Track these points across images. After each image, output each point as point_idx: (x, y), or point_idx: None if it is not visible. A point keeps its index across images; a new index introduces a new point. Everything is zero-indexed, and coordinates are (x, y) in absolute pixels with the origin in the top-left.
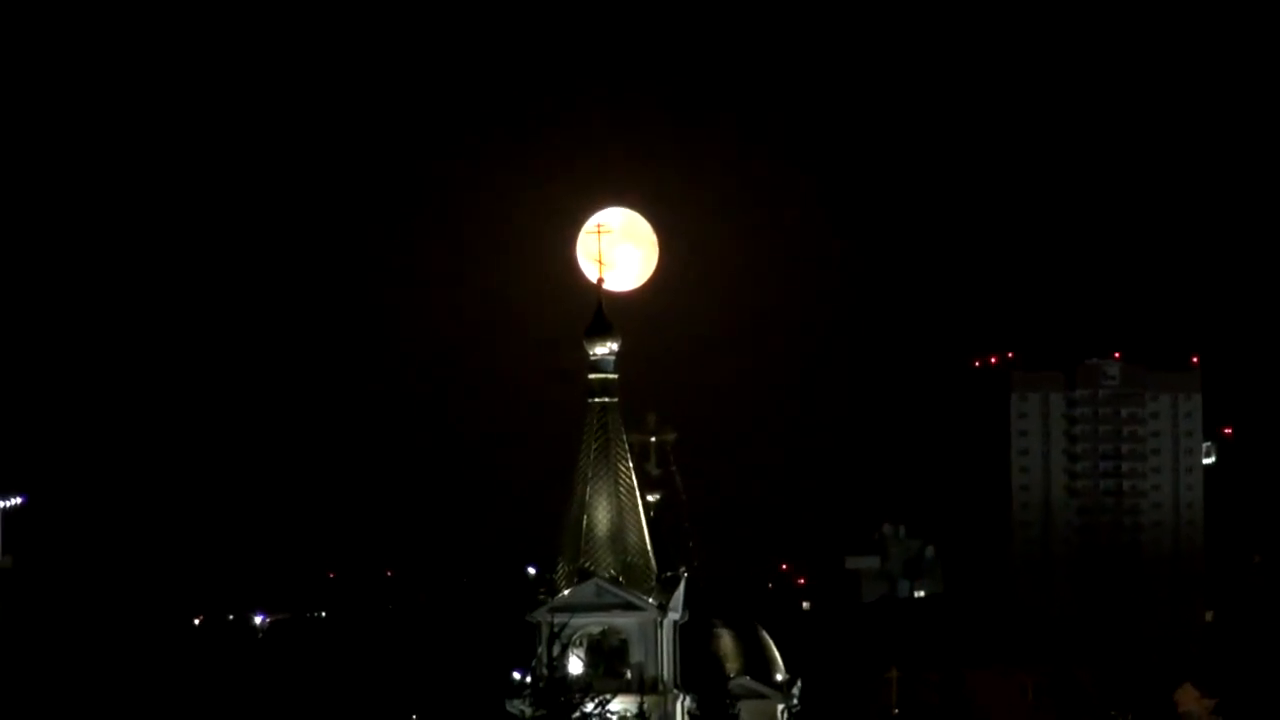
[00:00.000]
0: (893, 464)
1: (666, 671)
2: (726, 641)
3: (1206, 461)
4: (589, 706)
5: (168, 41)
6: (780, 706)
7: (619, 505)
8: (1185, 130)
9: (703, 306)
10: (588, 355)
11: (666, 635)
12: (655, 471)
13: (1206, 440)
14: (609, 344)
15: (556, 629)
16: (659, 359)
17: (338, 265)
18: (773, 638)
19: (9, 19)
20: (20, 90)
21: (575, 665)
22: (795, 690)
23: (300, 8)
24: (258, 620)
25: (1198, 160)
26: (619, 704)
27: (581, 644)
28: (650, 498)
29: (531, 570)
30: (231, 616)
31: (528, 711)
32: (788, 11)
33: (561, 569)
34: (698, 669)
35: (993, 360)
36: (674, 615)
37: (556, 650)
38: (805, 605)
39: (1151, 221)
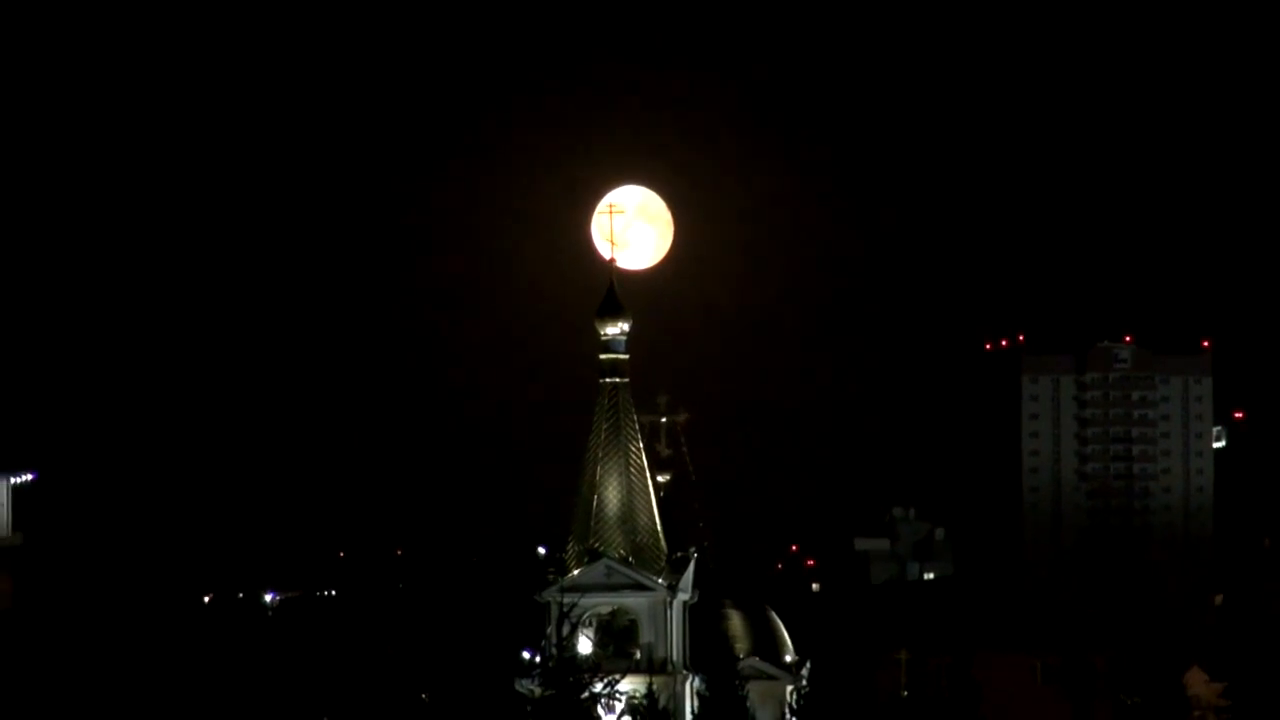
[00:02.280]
0: (903, 446)
1: (676, 652)
2: (736, 622)
3: (1217, 445)
4: (598, 686)
5: (178, 38)
6: (789, 687)
7: (629, 486)
8: (1197, 115)
9: (715, 287)
10: (599, 335)
11: (676, 616)
12: (666, 452)
13: (1217, 424)
14: (620, 324)
15: (566, 609)
16: (671, 339)
17: (348, 244)
18: (782, 619)
19: (9, 19)
20: (36, 91)
21: (584, 645)
22: (804, 671)
23: None
24: (268, 598)
25: (1210, 145)
26: (628, 684)
27: (591, 624)
28: (661, 478)
29: (542, 550)
30: (241, 594)
31: (537, 691)
32: None
33: (571, 549)
34: (707, 650)
35: (1004, 343)
36: (683, 596)
37: (566, 630)
38: (815, 587)
39: (1163, 205)
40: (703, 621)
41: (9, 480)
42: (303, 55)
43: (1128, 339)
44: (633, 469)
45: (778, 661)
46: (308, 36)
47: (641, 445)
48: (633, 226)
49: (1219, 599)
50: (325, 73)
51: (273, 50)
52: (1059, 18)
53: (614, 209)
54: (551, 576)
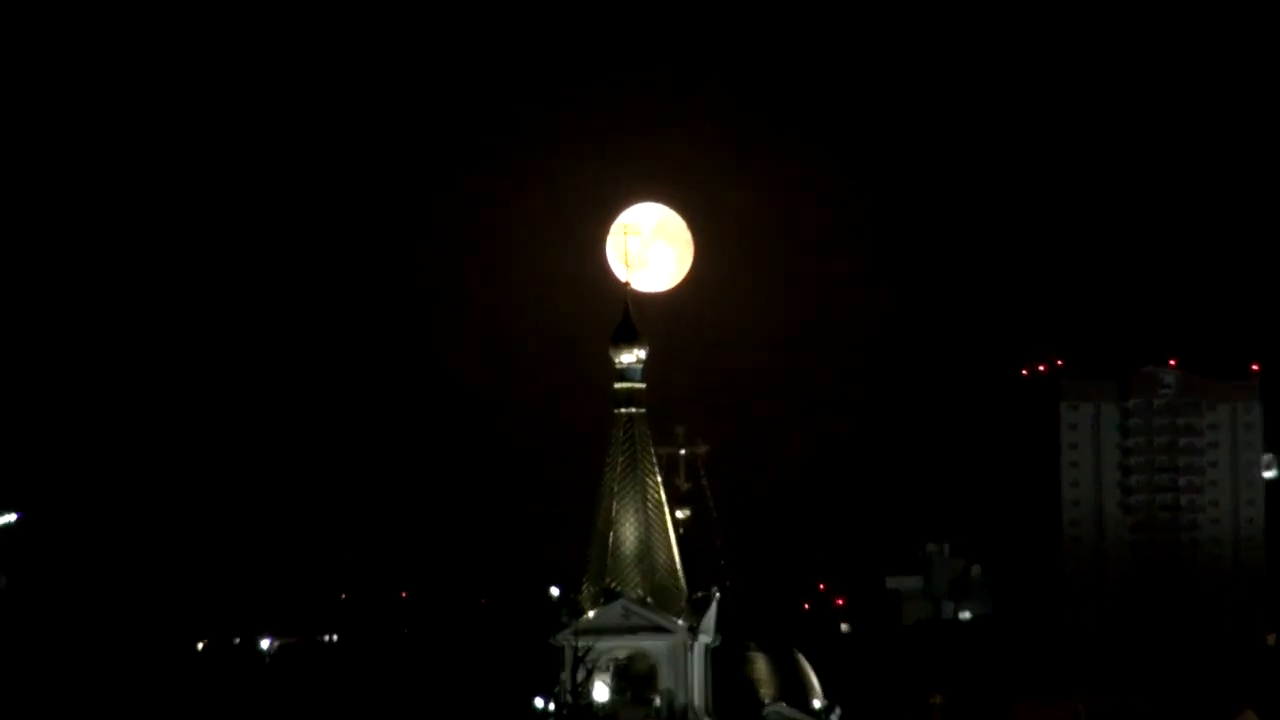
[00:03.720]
0: (937, 478)
1: (697, 698)
2: (761, 666)
3: (1268, 474)
4: None
5: (190, 39)
6: None
7: (647, 522)
8: (1245, 134)
9: (738, 312)
10: (614, 363)
11: (697, 660)
12: (685, 486)
13: (1267, 452)
14: (636, 351)
15: (581, 653)
16: (691, 366)
17: (353, 267)
18: (810, 662)
19: (9, 19)
20: (38, 99)
21: (601, 691)
22: (834, 718)
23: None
24: (265, 644)
25: (1259, 164)
26: None
27: (608, 669)
28: (680, 514)
29: (555, 591)
30: (237, 640)
31: None
32: (831, 7)
33: (586, 589)
34: (730, 696)
35: (1042, 368)
36: (705, 638)
37: (581, 675)
38: (844, 627)
39: (1210, 225)
40: (726, 665)
41: None
42: (318, 71)
43: (1173, 363)
44: (650, 504)
45: (805, 707)
46: (324, 51)
47: (660, 479)
48: (652, 246)
49: (1271, 638)
50: (337, 87)
51: (290, 64)
52: (1098, 36)
53: (628, 230)
54: (565, 619)
